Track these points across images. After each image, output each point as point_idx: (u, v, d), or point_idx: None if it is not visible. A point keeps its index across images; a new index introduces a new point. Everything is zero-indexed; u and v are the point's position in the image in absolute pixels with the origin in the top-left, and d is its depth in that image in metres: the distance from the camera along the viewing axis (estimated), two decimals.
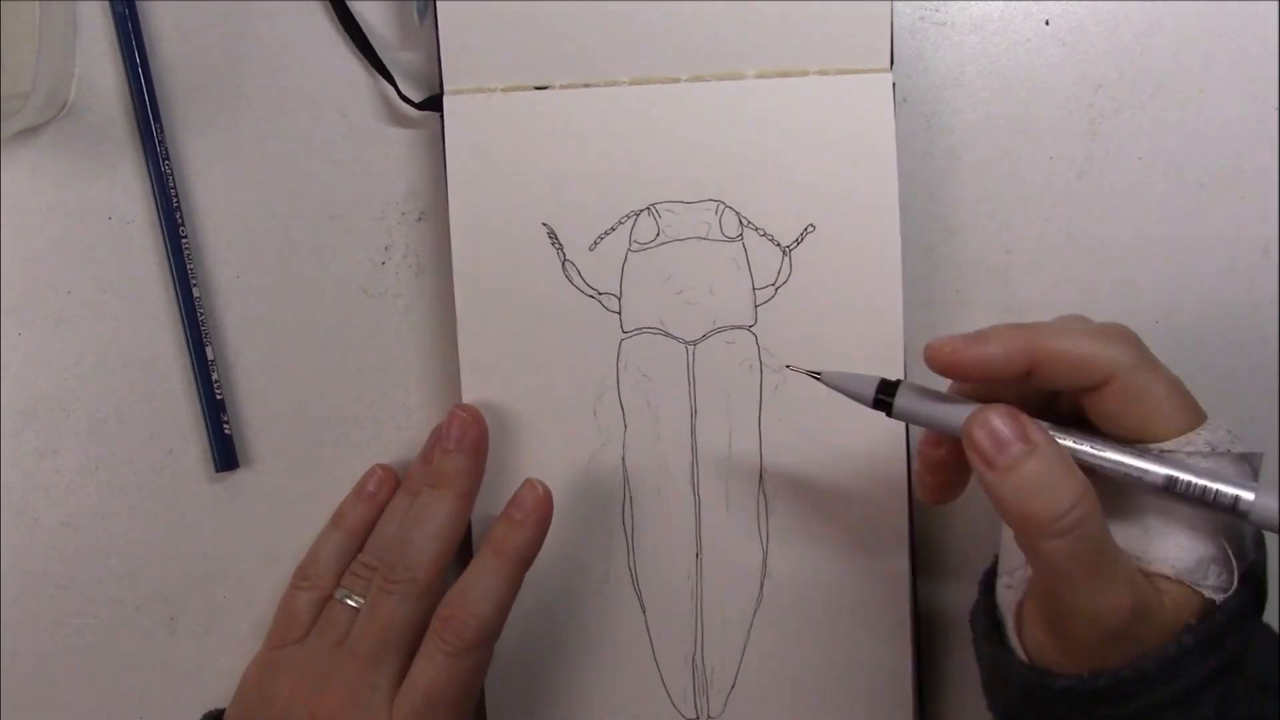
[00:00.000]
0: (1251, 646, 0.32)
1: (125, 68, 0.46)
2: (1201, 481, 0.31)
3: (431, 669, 0.39)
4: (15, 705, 0.47)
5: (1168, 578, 0.32)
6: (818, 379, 0.36)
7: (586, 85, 0.43)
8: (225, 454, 0.46)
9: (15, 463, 0.47)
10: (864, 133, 0.43)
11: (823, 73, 0.43)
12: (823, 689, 0.44)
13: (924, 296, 0.45)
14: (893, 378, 0.35)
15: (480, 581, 0.40)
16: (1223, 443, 0.32)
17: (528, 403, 0.44)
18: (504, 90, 0.43)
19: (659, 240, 0.44)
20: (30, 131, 0.46)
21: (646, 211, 0.44)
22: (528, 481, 0.41)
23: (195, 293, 0.46)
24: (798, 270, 0.43)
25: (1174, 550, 0.32)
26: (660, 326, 0.44)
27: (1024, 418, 0.32)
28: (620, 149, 0.43)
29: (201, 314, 0.46)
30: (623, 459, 0.44)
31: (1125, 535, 0.33)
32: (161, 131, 0.46)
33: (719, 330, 0.44)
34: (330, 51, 0.46)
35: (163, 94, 0.46)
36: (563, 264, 0.44)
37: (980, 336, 0.33)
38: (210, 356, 0.46)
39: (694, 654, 0.45)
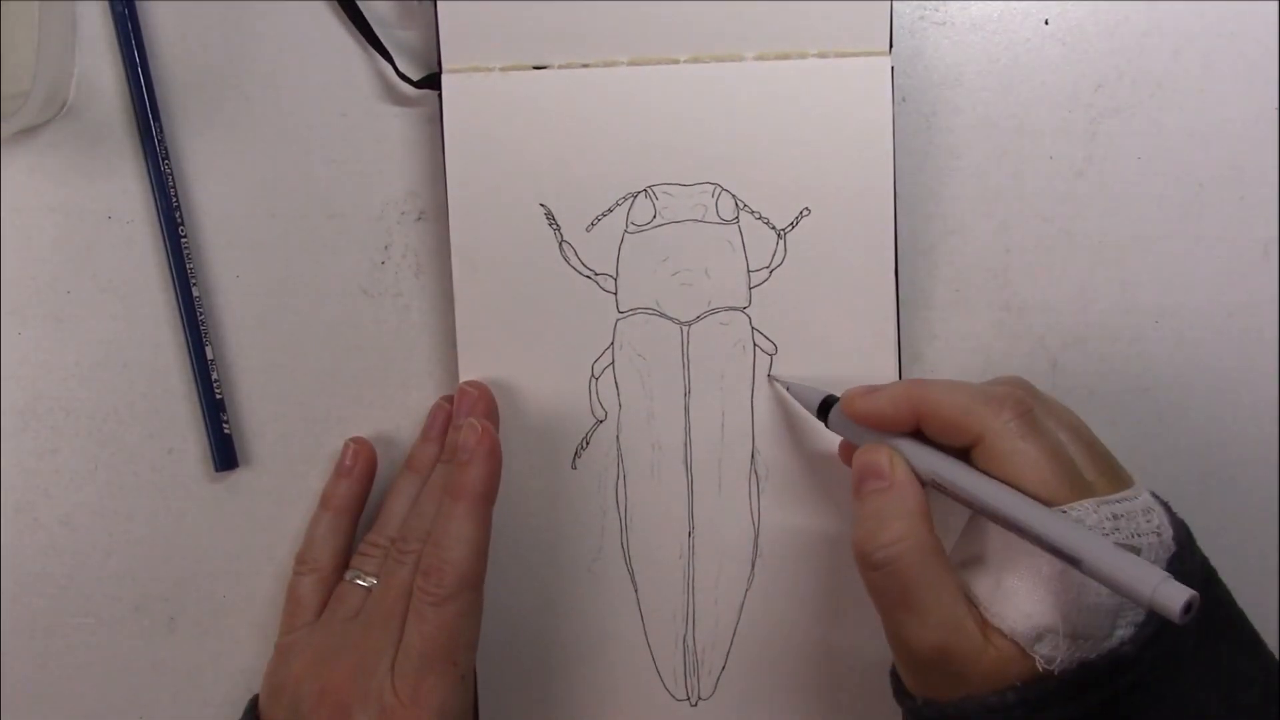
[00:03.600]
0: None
1: (125, 68, 0.46)
2: (1041, 534, 0.33)
3: (420, 624, 0.39)
4: (15, 705, 0.47)
5: (1003, 634, 0.34)
6: (787, 389, 0.43)
7: (585, 66, 0.43)
8: (225, 454, 0.46)
9: (15, 463, 0.47)
10: (861, 116, 0.43)
11: (821, 55, 0.43)
12: (812, 671, 0.45)
13: (924, 296, 0.45)
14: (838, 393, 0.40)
15: (448, 528, 0.40)
16: (1095, 525, 0.33)
17: (523, 381, 0.44)
18: (502, 70, 0.43)
19: (656, 222, 0.44)
20: (30, 131, 0.46)
21: (644, 193, 0.44)
22: (461, 424, 0.42)
23: (195, 293, 0.46)
24: (792, 253, 0.44)
25: (1014, 613, 0.34)
26: (656, 307, 0.44)
27: (899, 460, 0.36)
28: (618, 130, 0.43)
29: (201, 314, 0.46)
30: (617, 437, 0.45)
31: (981, 584, 0.35)
32: (161, 131, 0.46)
33: (713, 311, 0.44)
34: (330, 51, 0.46)
35: (163, 94, 0.46)
36: (560, 244, 0.44)
37: (874, 390, 0.38)
38: (210, 356, 0.46)
39: (685, 634, 0.45)
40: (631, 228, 0.44)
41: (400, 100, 0.46)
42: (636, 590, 0.45)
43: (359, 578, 0.43)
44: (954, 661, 0.34)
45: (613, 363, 0.44)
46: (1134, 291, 0.45)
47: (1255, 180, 0.45)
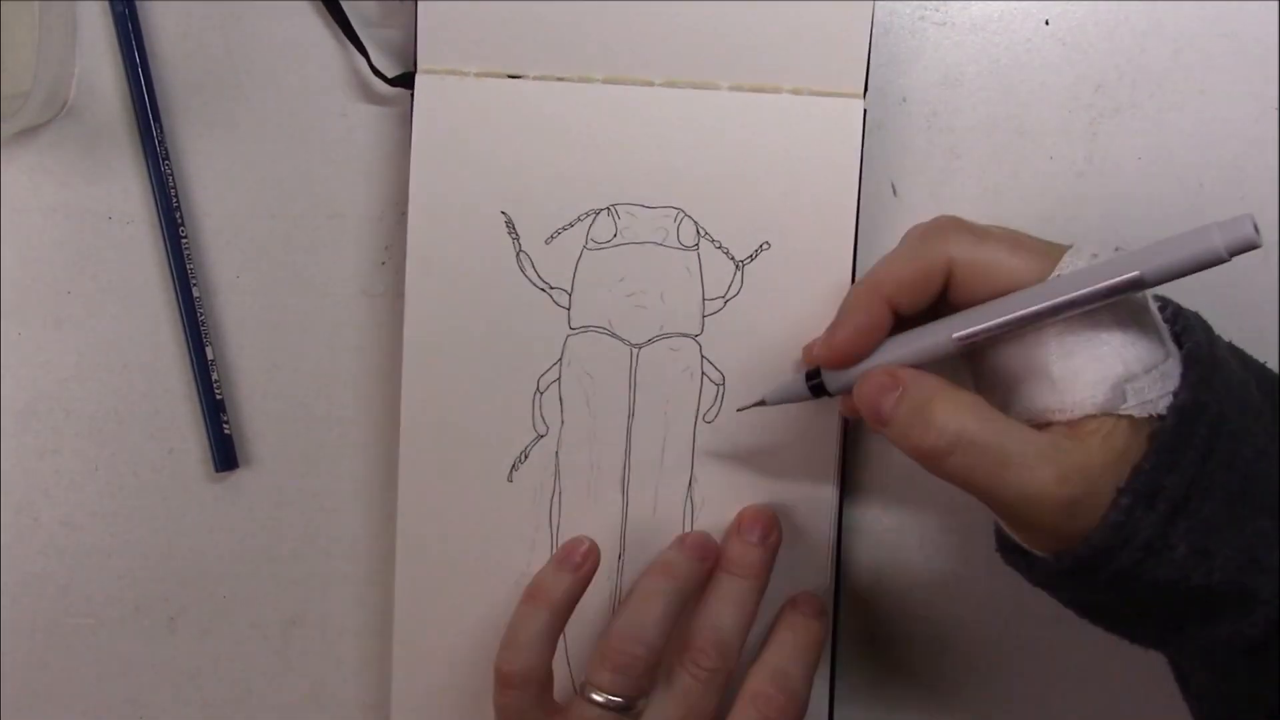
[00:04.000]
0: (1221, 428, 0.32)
1: (125, 68, 0.46)
2: (1086, 289, 0.32)
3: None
4: (15, 705, 0.47)
5: (1092, 416, 0.32)
6: (763, 405, 0.41)
7: (560, 79, 0.43)
8: (225, 454, 0.46)
9: (15, 463, 0.47)
10: (830, 156, 0.43)
11: (795, 92, 0.43)
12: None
13: None
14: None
15: (785, 667, 0.40)
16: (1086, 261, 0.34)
17: (468, 388, 0.44)
18: (477, 75, 0.43)
19: (616, 241, 0.44)
20: (30, 131, 0.46)
21: (606, 211, 0.44)
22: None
23: (195, 293, 0.46)
24: (748, 285, 0.43)
25: (1084, 389, 0.33)
26: (608, 326, 0.44)
27: (889, 367, 0.35)
28: (587, 146, 0.43)
29: (201, 314, 0.46)
30: (556, 454, 0.44)
31: (1038, 395, 0.34)
32: (161, 131, 0.46)
33: (665, 336, 0.44)
34: (330, 51, 0.46)
35: (163, 94, 0.46)
36: (517, 254, 0.44)
37: (841, 321, 0.37)
38: (210, 356, 0.46)
39: None
40: (591, 244, 0.44)
41: (400, 100, 0.46)
42: None
43: (596, 693, 0.39)
44: (1078, 477, 0.32)
45: (559, 378, 0.44)
46: None
47: (1255, 180, 0.45)
